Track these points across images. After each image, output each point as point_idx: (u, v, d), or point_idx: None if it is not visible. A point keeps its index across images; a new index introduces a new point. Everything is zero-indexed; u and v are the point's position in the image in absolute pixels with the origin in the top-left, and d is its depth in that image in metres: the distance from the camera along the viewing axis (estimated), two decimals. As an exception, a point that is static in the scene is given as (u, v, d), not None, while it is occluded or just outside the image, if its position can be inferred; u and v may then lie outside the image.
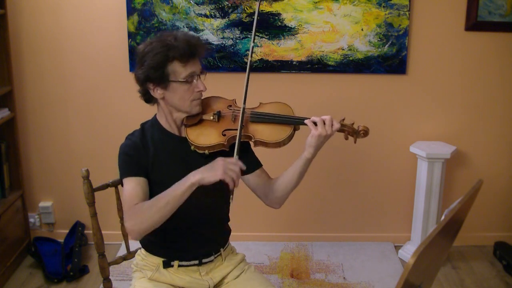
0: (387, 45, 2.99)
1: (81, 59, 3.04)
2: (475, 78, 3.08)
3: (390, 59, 3.01)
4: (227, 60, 3.00)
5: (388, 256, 3.17)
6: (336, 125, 1.72)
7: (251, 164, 1.83)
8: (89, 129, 3.15)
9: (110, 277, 2.01)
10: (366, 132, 1.78)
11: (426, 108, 3.12)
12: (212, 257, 1.87)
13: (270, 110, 1.81)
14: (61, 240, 3.16)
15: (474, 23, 2.96)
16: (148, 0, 2.92)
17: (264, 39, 2.98)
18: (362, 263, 3.09)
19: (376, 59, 3.01)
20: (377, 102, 3.11)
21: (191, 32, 2.91)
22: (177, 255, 1.84)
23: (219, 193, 1.83)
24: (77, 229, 3.14)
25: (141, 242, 1.90)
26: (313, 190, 3.23)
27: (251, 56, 1.78)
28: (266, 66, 3.02)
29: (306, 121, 1.73)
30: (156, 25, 2.95)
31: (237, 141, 1.69)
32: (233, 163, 1.58)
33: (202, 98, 1.84)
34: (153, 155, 1.76)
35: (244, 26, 2.95)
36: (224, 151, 1.74)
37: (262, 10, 2.93)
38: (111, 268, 2.03)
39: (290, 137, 1.76)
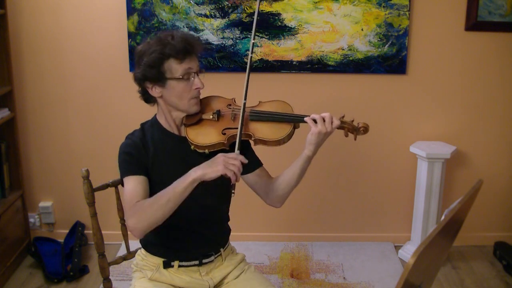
0: (387, 45, 2.99)
1: (81, 59, 3.04)
2: (475, 78, 3.08)
3: (390, 59, 3.01)
4: (227, 60, 3.00)
5: (388, 256, 3.17)
6: (336, 122, 1.72)
7: (251, 163, 1.83)
8: (89, 129, 3.14)
9: (110, 277, 2.01)
10: (366, 129, 1.78)
11: (426, 108, 3.12)
12: (212, 257, 1.87)
13: (270, 109, 1.81)
14: (61, 240, 3.16)
15: (474, 23, 2.96)
16: (148, 0, 2.92)
17: (264, 39, 2.98)
18: (362, 263, 3.09)
19: (376, 59, 3.01)
20: (377, 102, 3.11)
21: (191, 32, 2.91)
22: (177, 255, 1.84)
23: (219, 192, 1.83)
24: (77, 229, 3.14)
25: (141, 242, 1.90)
26: (313, 190, 3.23)
27: (252, 53, 1.78)
28: (266, 66, 3.02)
29: (305, 119, 1.72)
30: (156, 25, 2.95)
31: (238, 136, 1.69)
32: (234, 158, 1.58)
33: (202, 98, 1.84)
34: (153, 155, 1.76)
35: (244, 26, 2.95)
36: (224, 150, 1.74)
37: (262, 10, 2.93)
38: (111, 268, 2.03)
39: (290, 135, 1.75)
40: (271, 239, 3.30)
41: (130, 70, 3.00)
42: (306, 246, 3.25)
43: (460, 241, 3.23)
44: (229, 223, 1.98)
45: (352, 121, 1.79)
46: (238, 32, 2.97)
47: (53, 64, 3.05)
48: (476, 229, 3.28)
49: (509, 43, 3.02)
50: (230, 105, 1.84)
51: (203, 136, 1.75)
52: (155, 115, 1.85)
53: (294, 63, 3.01)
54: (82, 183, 1.91)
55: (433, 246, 1.17)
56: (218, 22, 2.95)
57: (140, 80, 1.75)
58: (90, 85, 3.08)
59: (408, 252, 3.17)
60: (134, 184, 1.70)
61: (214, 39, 2.97)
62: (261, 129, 1.76)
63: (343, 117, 1.77)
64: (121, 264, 2.12)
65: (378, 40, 2.98)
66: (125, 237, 2.05)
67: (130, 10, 2.94)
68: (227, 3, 2.92)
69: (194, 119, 1.79)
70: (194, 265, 1.85)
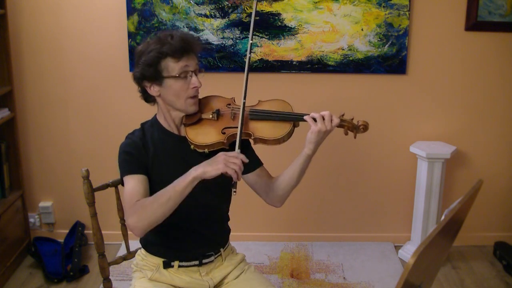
0: (387, 45, 2.99)
1: (81, 59, 3.04)
2: (475, 78, 3.08)
3: (390, 59, 3.01)
4: (227, 60, 3.00)
5: (388, 256, 3.17)
6: (336, 120, 1.72)
7: (251, 162, 1.82)
8: (89, 129, 3.14)
9: (110, 277, 2.01)
10: (365, 127, 1.78)
11: (426, 108, 3.12)
12: (212, 258, 1.87)
13: (269, 108, 1.81)
14: (61, 240, 3.16)
15: (474, 23, 2.96)
16: (148, 0, 2.92)
17: (264, 39, 2.98)
18: (362, 263, 3.09)
19: (376, 59, 3.01)
20: (377, 102, 3.11)
21: (191, 32, 2.92)
22: (177, 255, 1.84)
23: (220, 191, 1.83)
24: (77, 229, 3.14)
25: (141, 242, 1.90)
26: (313, 190, 3.23)
27: (250, 53, 1.78)
28: (266, 66, 3.02)
29: (305, 117, 1.72)
30: (156, 25, 2.95)
31: (238, 135, 1.69)
32: (235, 156, 1.58)
33: (201, 97, 1.84)
34: (153, 155, 1.76)
35: (244, 26, 2.95)
36: (224, 150, 1.73)
37: (262, 10, 2.93)
38: (111, 268, 2.03)
39: (289, 134, 1.75)
40: (271, 239, 3.30)
41: (130, 70, 3.00)
42: (306, 246, 3.25)
43: (460, 241, 3.23)
44: (229, 223, 1.98)
45: (352, 119, 1.79)
46: (238, 32, 2.97)
47: (53, 64, 3.05)
48: (476, 229, 3.28)
49: (509, 43, 3.02)
50: (229, 104, 1.84)
51: (203, 135, 1.75)
52: (155, 115, 1.86)
53: (294, 63, 3.01)
54: (82, 183, 1.91)
55: (433, 246, 1.17)
56: (218, 22, 2.95)
57: (139, 79, 1.76)
58: (90, 85, 3.08)
59: (408, 252, 3.16)
60: (134, 183, 1.70)
61: (214, 39, 2.97)
62: (260, 128, 1.76)
63: (342, 115, 1.77)
64: (121, 264, 2.13)
65: (378, 40, 2.98)
66: (125, 237, 2.05)
67: (130, 10, 2.94)
68: (227, 3, 2.92)
69: (193, 118, 1.79)
70: (194, 265, 1.85)
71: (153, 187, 1.72)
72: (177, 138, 1.81)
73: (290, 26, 2.96)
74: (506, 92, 3.10)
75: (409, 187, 3.20)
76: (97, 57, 3.04)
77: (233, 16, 2.95)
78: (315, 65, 3.02)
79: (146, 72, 1.72)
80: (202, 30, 2.96)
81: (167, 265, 1.84)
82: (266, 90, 3.02)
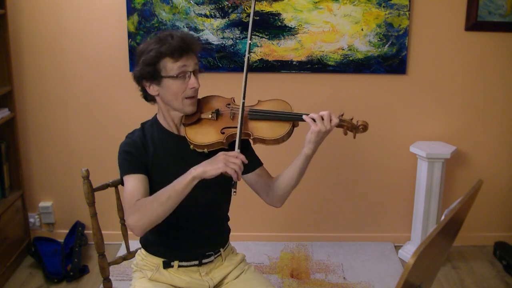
0: (387, 45, 2.99)
1: (81, 59, 3.04)
2: (475, 78, 3.08)
3: (390, 59, 3.01)
4: (227, 60, 3.00)
5: (388, 256, 3.17)
6: (335, 120, 1.71)
7: (251, 162, 1.82)
8: (89, 129, 3.14)
9: (110, 277, 2.01)
10: (365, 127, 1.77)
11: (426, 108, 3.12)
12: (212, 258, 1.87)
13: (269, 107, 1.80)
14: (61, 240, 3.16)
15: (474, 23, 2.96)
16: (148, 0, 2.92)
17: (264, 39, 2.98)
18: (362, 263, 3.09)
19: (376, 59, 3.01)
20: (377, 102, 3.11)
21: (191, 32, 2.92)
22: (177, 255, 1.84)
23: (219, 190, 1.83)
24: (77, 229, 3.14)
25: (141, 242, 1.90)
26: (313, 190, 3.23)
27: (249, 53, 1.78)
28: (266, 66, 3.02)
29: (304, 117, 1.72)
30: (156, 25, 2.95)
31: (238, 135, 1.69)
32: (235, 156, 1.58)
33: (201, 97, 1.84)
34: (152, 154, 1.76)
35: (244, 26, 2.95)
36: (223, 150, 1.73)
37: (262, 10, 2.93)
38: (111, 268, 2.03)
39: (289, 134, 1.75)
40: (271, 239, 3.30)
41: (130, 70, 3.00)
42: (306, 246, 3.25)
43: (460, 241, 3.23)
44: (229, 223, 1.98)
45: (351, 119, 1.79)
46: (238, 32, 2.97)
47: (53, 64, 3.05)
48: (476, 229, 3.28)
49: (509, 43, 3.02)
50: (229, 104, 1.84)
51: (202, 135, 1.75)
52: (156, 114, 1.86)
53: (294, 63, 3.01)
54: (82, 183, 1.91)
55: (433, 246, 1.17)
56: (218, 22, 2.95)
57: (138, 78, 1.77)
58: (90, 85, 3.08)
59: (408, 252, 3.16)
60: (134, 183, 1.70)
61: (214, 39, 2.97)
62: (260, 128, 1.75)
63: (342, 115, 1.77)
64: (121, 264, 2.13)
65: (378, 40, 2.98)
66: (125, 237, 2.05)
67: (130, 10, 2.94)
68: (227, 3, 2.92)
69: (193, 118, 1.79)
70: (194, 265, 1.85)
71: (153, 187, 1.72)
72: (176, 138, 1.81)
73: (290, 26, 2.96)
74: (506, 92, 3.10)
75: (409, 187, 3.20)
76: (97, 57, 3.04)
77: (233, 16, 2.95)
78: (315, 65, 3.02)
79: (145, 72, 1.72)
80: (202, 30, 2.96)
81: (167, 265, 1.84)
82: (266, 90, 3.02)
